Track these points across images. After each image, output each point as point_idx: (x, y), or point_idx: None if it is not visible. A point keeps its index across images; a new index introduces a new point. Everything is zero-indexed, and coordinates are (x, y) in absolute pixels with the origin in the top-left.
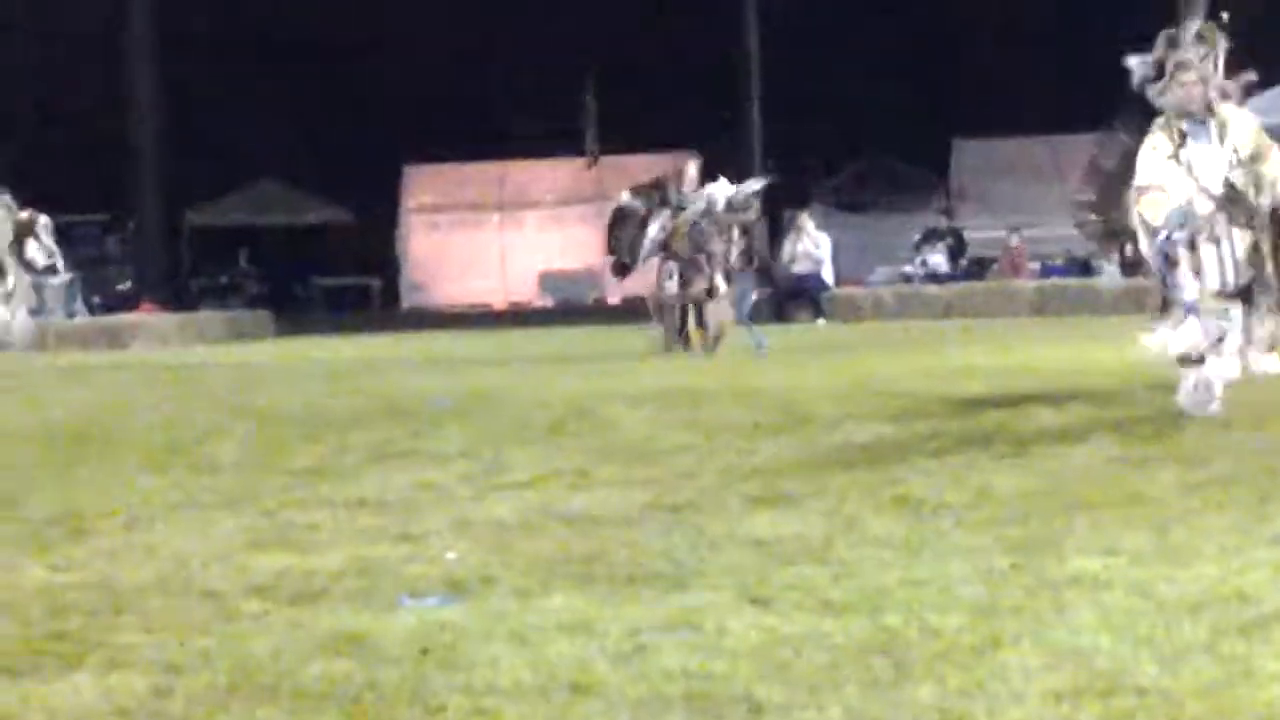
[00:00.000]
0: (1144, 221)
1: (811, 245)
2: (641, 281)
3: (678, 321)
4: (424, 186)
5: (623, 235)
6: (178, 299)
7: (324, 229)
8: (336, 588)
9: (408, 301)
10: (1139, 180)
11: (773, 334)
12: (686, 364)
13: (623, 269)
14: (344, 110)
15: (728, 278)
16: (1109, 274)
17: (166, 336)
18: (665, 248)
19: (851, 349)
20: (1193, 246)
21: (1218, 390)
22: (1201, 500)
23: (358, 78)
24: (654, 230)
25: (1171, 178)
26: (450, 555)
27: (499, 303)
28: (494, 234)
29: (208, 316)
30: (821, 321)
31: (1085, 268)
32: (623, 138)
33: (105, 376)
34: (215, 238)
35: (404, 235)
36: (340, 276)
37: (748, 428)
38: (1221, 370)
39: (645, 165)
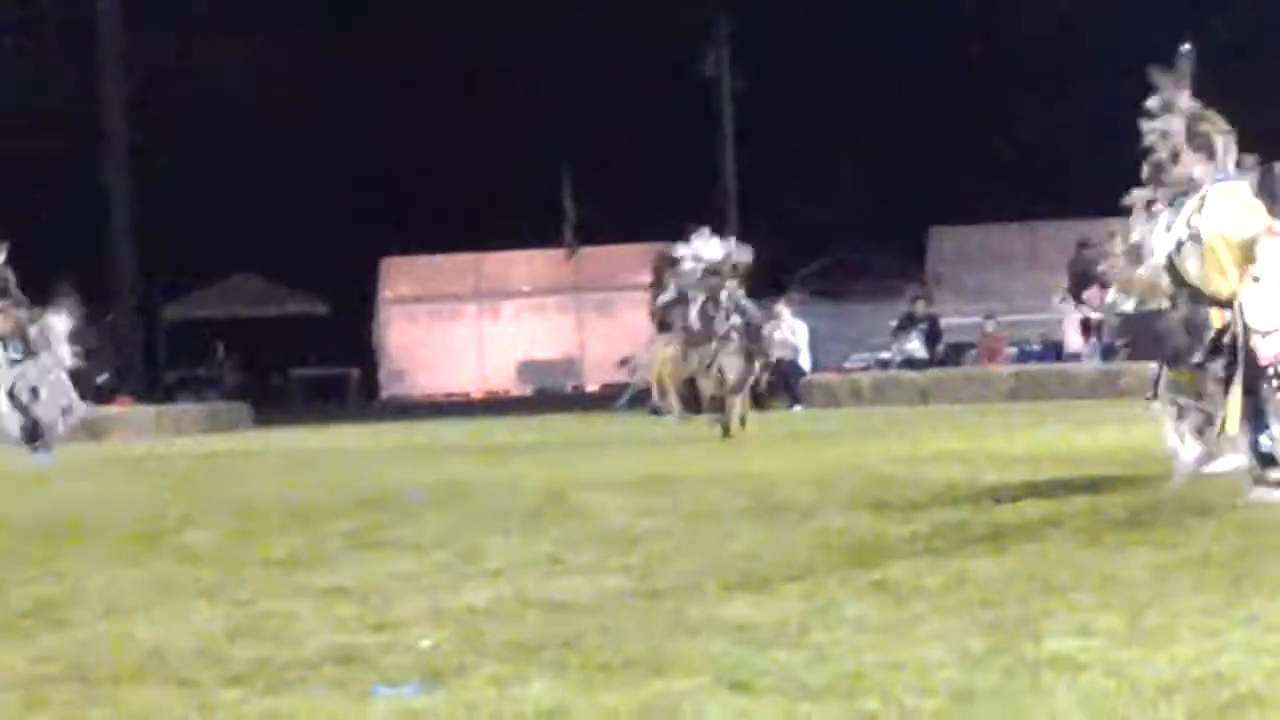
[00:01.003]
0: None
1: (789, 332)
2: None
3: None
4: (401, 277)
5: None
6: (155, 391)
7: (301, 320)
8: (313, 676)
9: (386, 392)
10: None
11: (750, 421)
12: (665, 450)
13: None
14: (320, 202)
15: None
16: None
17: (144, 429)
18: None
19: (829, 435)
20: None
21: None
22: (1176, 582)
23: (333, 170)
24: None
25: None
26: (426, 643)
27: (477, 392)
28: (472, 324)
29: (185, 409)
30: (799, 408)
31: (1059, 352)
32: (600, 228)
33: (83, 469)
34: (192, 330)
35: (382, 326)
36: (318, 367)
37: (725, 513)
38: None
39: (623, 256)
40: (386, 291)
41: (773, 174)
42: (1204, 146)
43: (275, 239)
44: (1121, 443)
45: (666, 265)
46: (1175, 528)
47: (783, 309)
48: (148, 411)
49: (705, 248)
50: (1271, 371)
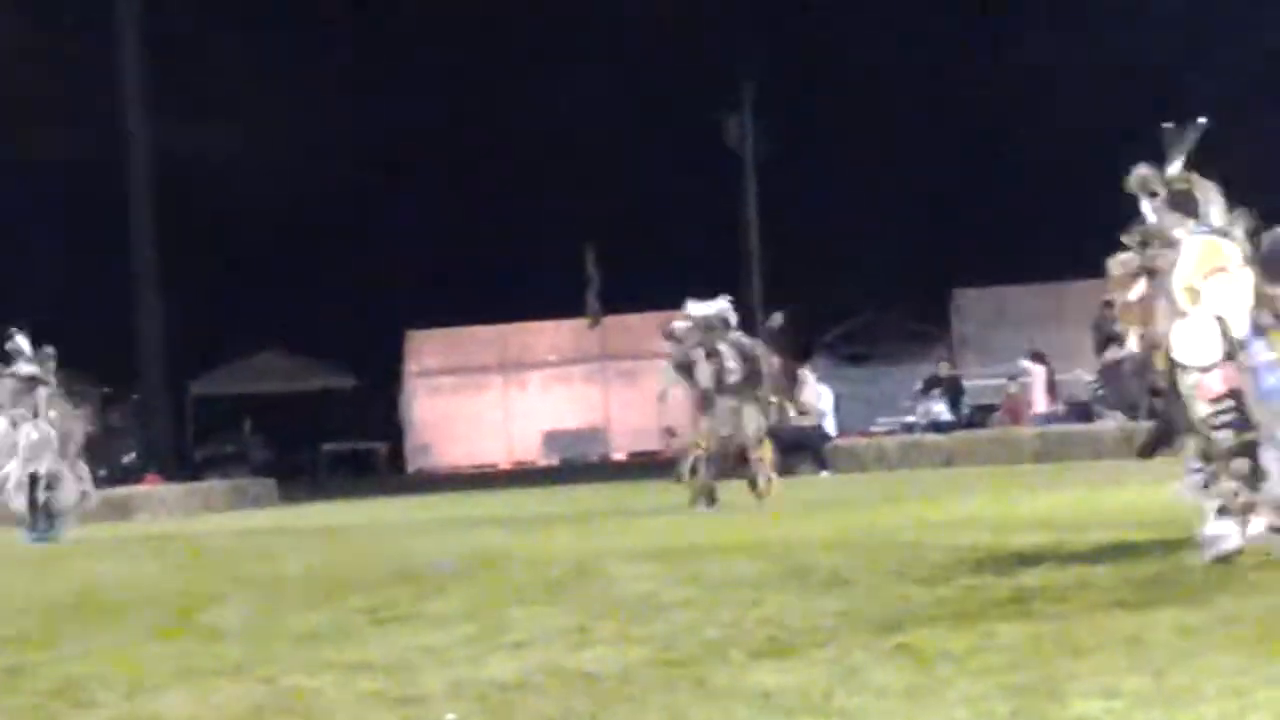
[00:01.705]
0: None
1: (813, 397)
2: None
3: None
4: (426, 350)
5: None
6: (182, 468)
7: (327, 395)
8: None
9: (413, 464)
10: None
11: (776, 482)
12: (690, 519)
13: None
14: (345, 276)
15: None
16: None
17: (172, 506)
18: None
19: (854, 500)
20: None
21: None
22: (1202, 641)
23: (358, 244)
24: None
25: None
26: (450, 717)
27: (504, 462)
28: (498, 395)
29: (212, 486)
30: (825, 473)
31: (1086, 413)
32: (624, 297)
33: (110, 547)
34: (218, 407)
35: (408, 399)
36: (344, 441)
37: (750, 581)
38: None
39: (647, 324)
40: (412, 364)
41: (797, 240)
42: (1183, 204)
43: (301, 314)
44: (1145, 502)
45: (669, 339)
46: (1201, 587)
47: (808, 373)
48: (176, 489)
49: (696, 308)
50: (1216, 409)
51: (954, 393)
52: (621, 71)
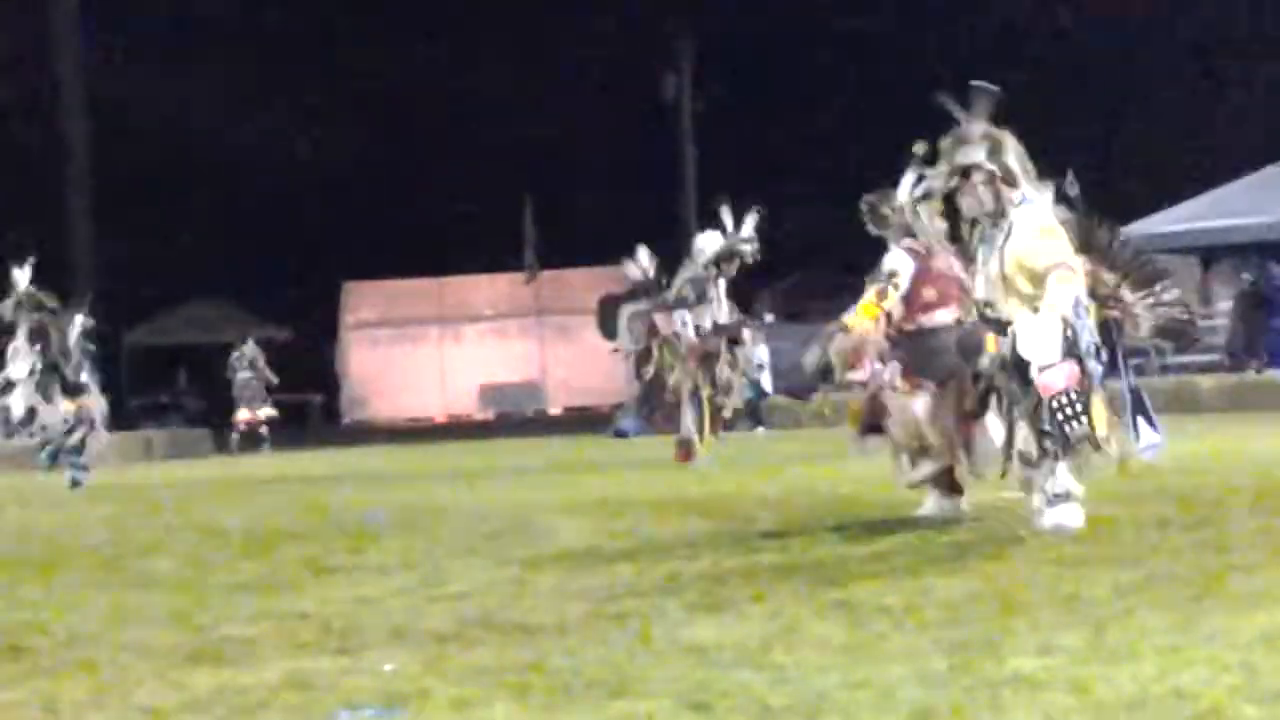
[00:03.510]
0: None
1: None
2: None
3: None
4: (363, 302)
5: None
6: (117, 419)
7: (262, 346)
8: (274, 702)
9: (348, 417)
10: None
11: (711, 443)
12: (628, 473)
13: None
14: (282, 228)
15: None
16: None
17: (106, 456)
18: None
19: (791, 457)
20: None
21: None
22: (1137, 600)
23: (295, 195)
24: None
25: None
26: (388, 667)
27: (439, 416)
28: (434, 348)
29: (148, 436)
30: (761, 430)
31: None
32: (561, 252)
33: (44, 496)
34: (154, 357)
35: (344, 351)
36: (279, 393)
37: (688, 536)
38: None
39: (583, 279)
40: (348, 316)
41: (733, 195)
42: (1006, 175)
43: (238, 265)
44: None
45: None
46: (1136, 545)
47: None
48: (111, 439)
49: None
50: (1055, 405)
51: None
52: (558, 27)
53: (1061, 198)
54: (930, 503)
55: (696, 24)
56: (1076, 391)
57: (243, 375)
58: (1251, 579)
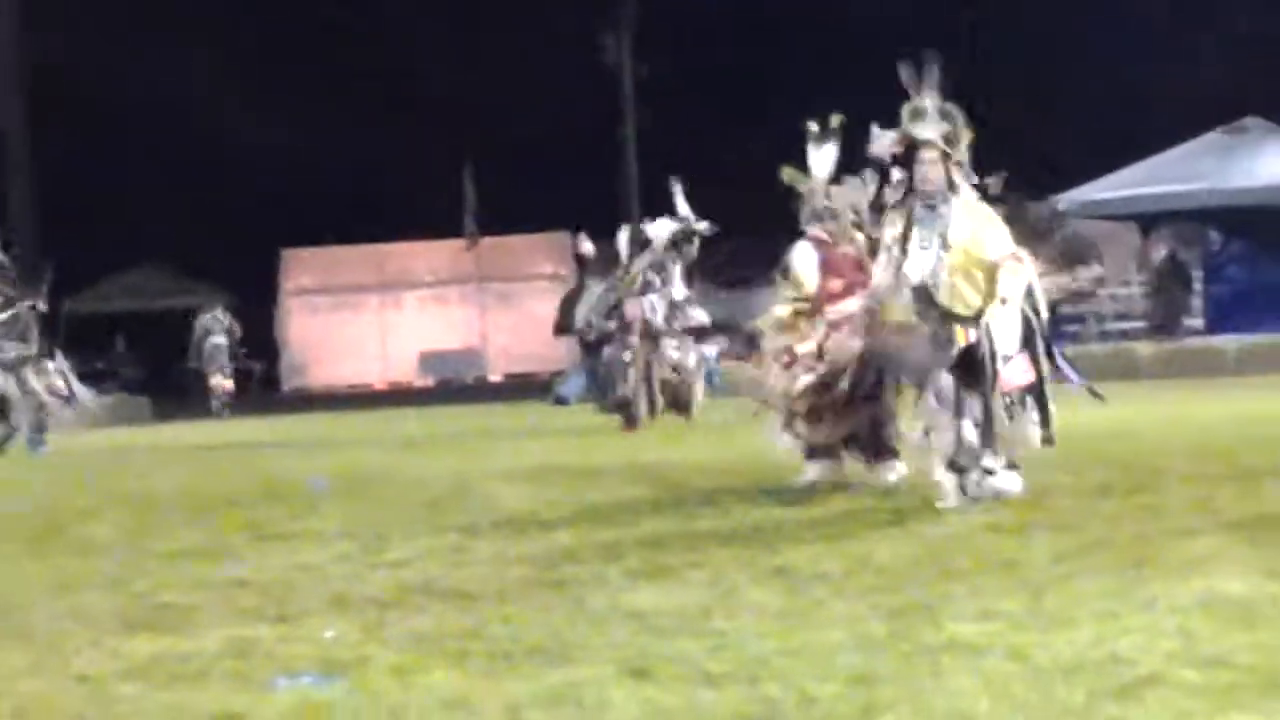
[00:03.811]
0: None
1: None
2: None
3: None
4: (302, 269)
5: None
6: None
7: (200, 313)
8: (213, 669)
9: (288, 384)
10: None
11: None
12: (568, 441)
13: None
14: (220, 195)
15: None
16: None
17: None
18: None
19: (729, 424)
20: None
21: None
22: (1076, 566)
23: (234, 162)
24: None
25: (882, 259)
26: (327, 634)
27: (379, 383)
28: (373, 315)
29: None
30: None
31: None
32: (502, 218)
33: None
34: (92, 324)
35: (283, 318)
36: None
37: (628, 503)
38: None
39: (524, 245)
40: (287, 283)
41: (675, 161)
42: (957, 158)
43: (177, 231)
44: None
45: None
46: (1075, 512)
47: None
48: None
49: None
50: (1010, 400)
51: None
52: None
53: (982, 193)
54: (813, 469)
55: None
56: (1030, 384)
57: (217, 341)
58: (1189, 545)
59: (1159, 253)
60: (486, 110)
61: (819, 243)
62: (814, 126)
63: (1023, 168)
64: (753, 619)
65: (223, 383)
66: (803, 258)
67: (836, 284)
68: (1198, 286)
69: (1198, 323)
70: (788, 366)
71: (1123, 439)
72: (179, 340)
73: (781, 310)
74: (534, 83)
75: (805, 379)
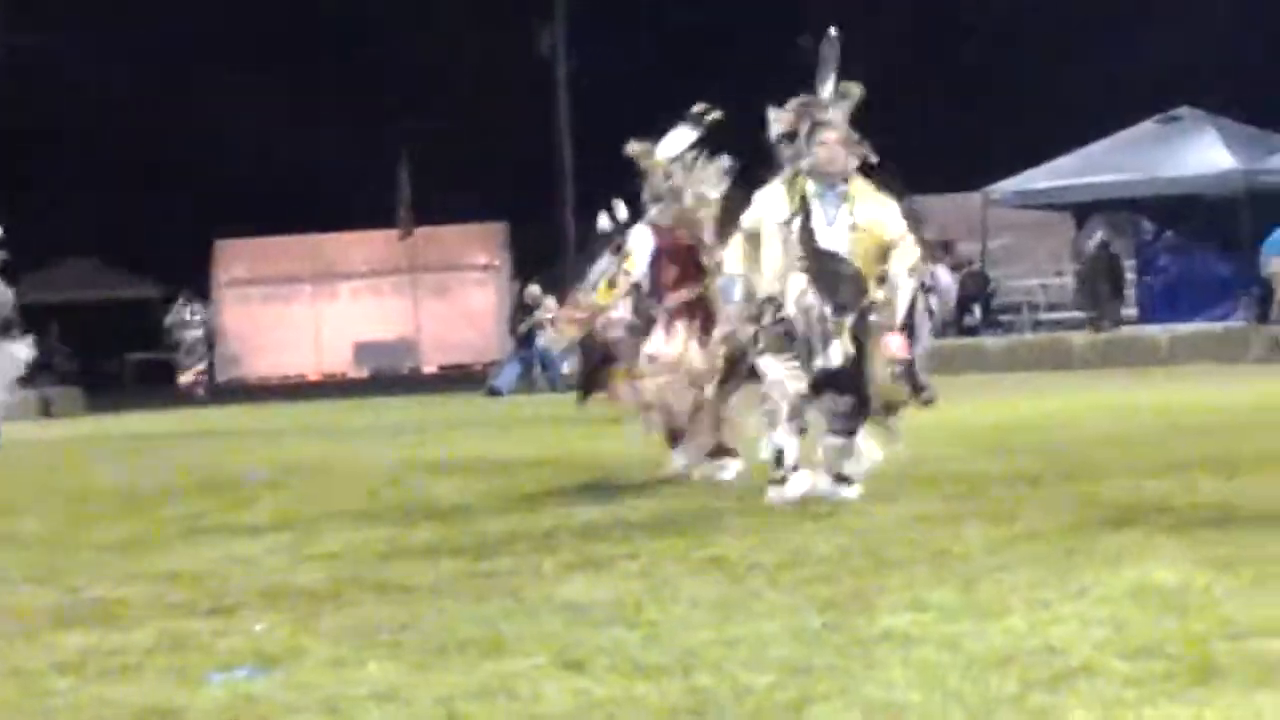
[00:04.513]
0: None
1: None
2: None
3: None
4: (236, 260)
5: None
6: None
7: (135, 304)
8: (147, 663)
9: (222, 375)
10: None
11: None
12: (502, 432)
13: None
14: (153, 186)
15: None
16: None
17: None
18: None
19: None
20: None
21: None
22: (1008, 555)
23: (166, 152)
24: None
25: (772, 242)
26: (260, 627)
27: (314, 374)
28: (307, 306)
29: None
30: None
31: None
32: (436, 209)
33: None
34: (25, 315)
35: (217, 309)
36: (152, 352)
37: (561, 494)
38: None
39: (458, 236)
40: (221, 274)
41: (610, 153)
42: (855, 139)
43: (110, 222)
44: (952, 419)
45: None
46: (1007, 502)
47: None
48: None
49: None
50: (895, 370)
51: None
52: None
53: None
54: (679, 459)
55: None
56: (906, 360)
57: (193, 334)
58: (1120, 534)
59: (1092, 241)
60: (420, 101)
61: (657, 230)
62: (695, 109)
63: (958, 157)
64: (686, 610)
65: (201, 375)
66: (639, 243)
67: (671, 272)
68: (1131, 276)
69: (1131, 312)
70: (652, 374)
71: (1056, 429)
72: (112, 331)
73: (602, 283)
74: (468, 73)
75: (667, 382)
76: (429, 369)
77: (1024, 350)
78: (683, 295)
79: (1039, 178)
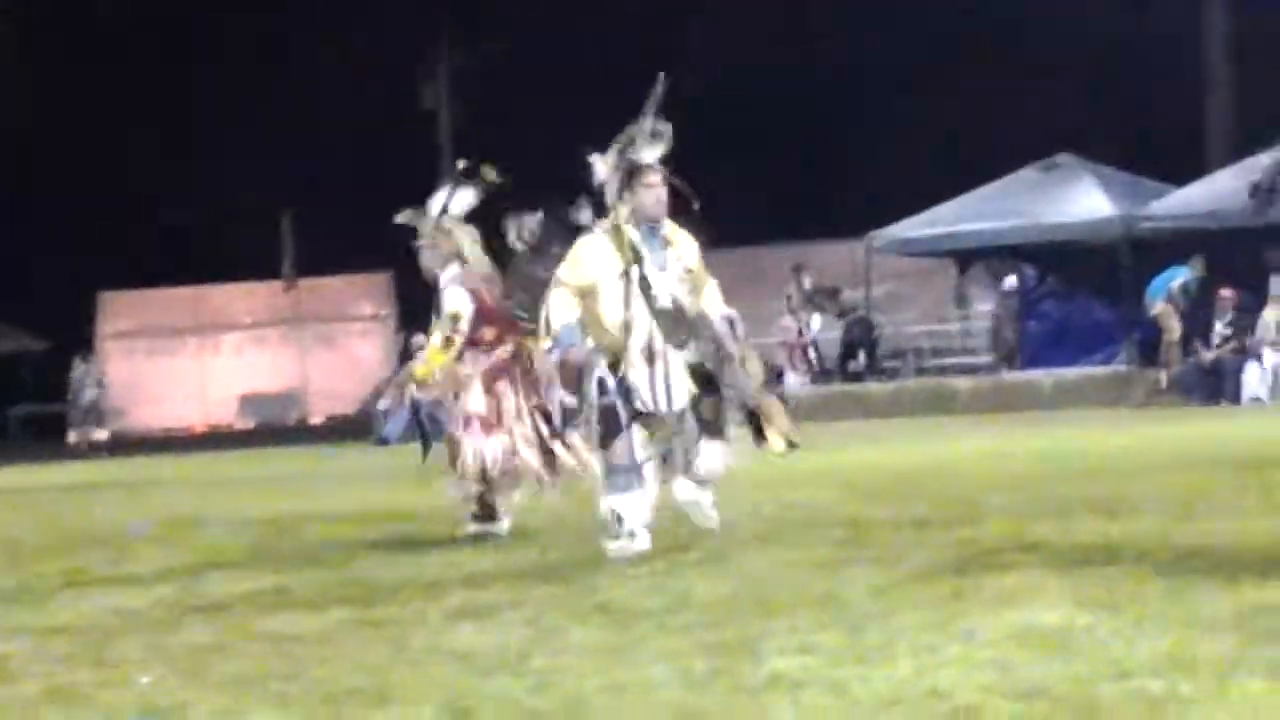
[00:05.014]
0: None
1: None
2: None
3: None
4: (120, 312)
5: None
6: None
7: (17, 357)
8: (33, 716)
9: (107, 428)
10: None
11: None
12: (389, 482)
13: None
14: (35, 237)
15: None
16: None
17: None
18: None
19: None
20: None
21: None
22: (895, 599)
23: (48, 204)
24: None
25: (610, 295)
26: (146, 680)
27: (200, 425)
28: (192, 358)
29: None
30: None
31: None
32: (320, 260)
33: None
34: None
35: (101, 361)
36: (35, 404)
37: (447, 541)
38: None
39: (343, 287)
40: (105, 326)
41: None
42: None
43: None
44: (837, 465)
45: None
46: (893, 546)
47: None
48: None
49: None
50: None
51: None
52: (316, 29)
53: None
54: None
55: (455, 34)
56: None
57: (90, 394)
58: (1005, 578)
59: (1006, 285)
60: (303, 152)
61: (472, 293)
62: (460, 164)
63: (840, 204)
64: (574, 657)
65: (96, 436)
66: (460, 302)
67: (490, 332)
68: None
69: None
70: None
71: (940, 474)
72: None
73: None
74: (351, 126)
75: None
76: (316, 419)
77: (908, 396)
78: (501, 354)
79: (921, 225)
